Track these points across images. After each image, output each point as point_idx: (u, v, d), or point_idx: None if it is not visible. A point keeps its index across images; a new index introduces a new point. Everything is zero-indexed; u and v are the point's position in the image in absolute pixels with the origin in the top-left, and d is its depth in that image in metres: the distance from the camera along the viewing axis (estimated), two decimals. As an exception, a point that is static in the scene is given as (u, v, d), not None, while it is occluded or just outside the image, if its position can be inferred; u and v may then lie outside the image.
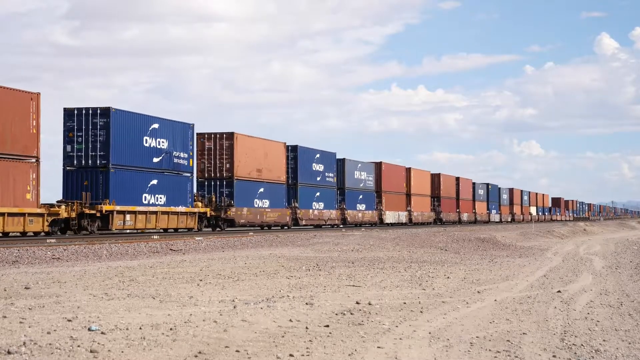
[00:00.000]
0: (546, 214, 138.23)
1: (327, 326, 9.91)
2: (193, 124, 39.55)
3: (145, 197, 35.43)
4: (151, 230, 36.37)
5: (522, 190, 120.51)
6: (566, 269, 20.99)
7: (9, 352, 7.58)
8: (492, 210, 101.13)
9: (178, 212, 37.68)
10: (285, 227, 48.26)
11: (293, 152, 50.23)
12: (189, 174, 39.15)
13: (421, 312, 11.52)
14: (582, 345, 9.44)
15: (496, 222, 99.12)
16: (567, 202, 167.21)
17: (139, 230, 36.00)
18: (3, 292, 12.39)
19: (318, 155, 53.48)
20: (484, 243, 35.24)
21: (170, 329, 9.08)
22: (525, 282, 16.72)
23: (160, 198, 36.43)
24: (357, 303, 12.09)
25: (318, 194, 52.78)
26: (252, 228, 45.35)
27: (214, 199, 41.18)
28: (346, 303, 12.07)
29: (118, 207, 33.09)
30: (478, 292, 14.43)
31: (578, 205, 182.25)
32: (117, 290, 12.96)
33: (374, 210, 62.90)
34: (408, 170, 72.27)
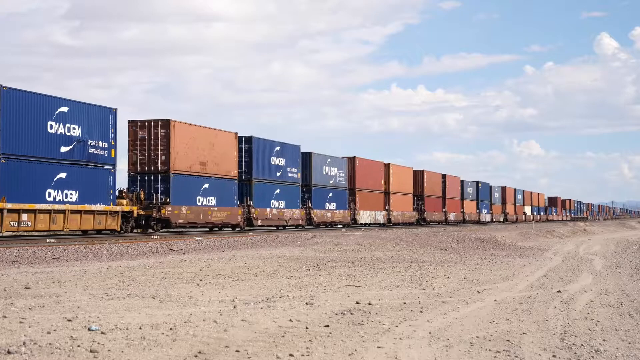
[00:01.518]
0: (542, 213, 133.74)
1: (327, 326, 9.91)
2: (116, 109, 33.64)
3: (49, 193, 29.63)
4: (58, 233, 32.24)
5: (515, 189, 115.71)
6: (566, 269, 20.99)
7: (9, 352, 7.58)
8: (483, 210, 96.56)
9: (94, 210, 31.73)
10: (238, 228, 42.98)
11: (247, 144, 44.40)
12: (110, 167, 33.25)
13: (421, 312, 11.52)
14: (582, 345, 9.44)
15: (487, 222, 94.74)
16: (564, 201, 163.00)
17: (41, 233, 31.35)
18: (3, 292, 12.39)
19: (278, 148, 47.44)
20: (484, 243, 35.24)
21: (170, 329, 9.09)
22: (525, 282, 16.73)
23: (71, 194, 30.61)
24: (357, 303, 12.09)
25: (278, 191, 47.00)
26: (194, 229, 40.71)
27: (142, 196, 35.85)
28: (346, 303, 12.08)
29: (9, 205, 27.24)
30: (478, 292, 14.43)
31: (576, 204, 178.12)
32: (117, 290, 12.96)
33: (346, 209, 56.98)
34: (387, 166, 66.14)
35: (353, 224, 57.70)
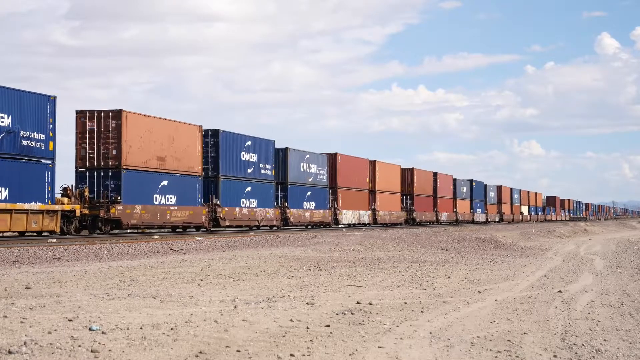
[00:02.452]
0: (539, 213, 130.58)
1: (328, 326, 9.91)
2: (54, 97, 30.27)
3: None
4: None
5: (512, 188, 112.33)
6: (567, 268, 20.99)
7: (9, 352, 7.58)
8: (477, 210, 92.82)
9: (28, 210, 28.40)
10: (203, 229, 39.53)
11: (214, 138, 40.87)
12: (48, 161, 29.87)
13: (422, 311, 11.52)
14: (582, 345, 9.44)
15: (481, 222, 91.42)
16: (562, 201, 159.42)
17: None
18: (4, 292, 12.40)
19: (249, 143, 44.09)
20: (485, 243, 35.24)
21: (171, 329, 9.09)
22: (526, 282, 16.72)
23: None
24: (358, 303, 12.09)
25: (249, 189, 43.64)
26: (151, 230, 37.26)
27: (86, 193, 32.33)
28: (347, 303, 12.08)
29: None
30: (479, 292, 14.43)
31: (575, 204, 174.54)
32: (117, 290, 12.97)
33: (326, 209, 53.44)
34: (372, 163, 62.47)
35: (335, 224, 54.64)
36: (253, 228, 44.52)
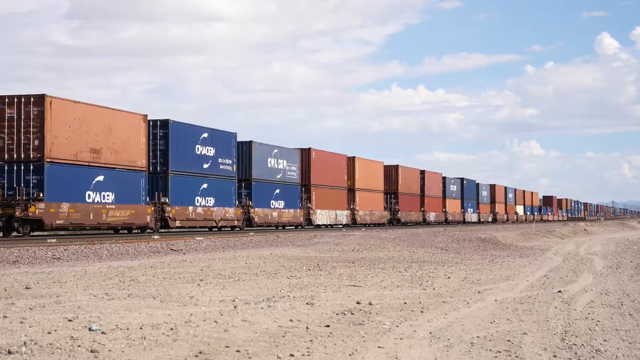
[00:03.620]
0: (535, 213, 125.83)
1: (328, 326, 9.91)
2: None
3: None
4: None
5: (506, 187, 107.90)
6: (567, 269, 20.99)
7: (9, 352, 7.58)
8: (469, 209, 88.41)
9: None
10: (149, 230, 35.27)
11: (163, 129, 36.43)
12: None
13: (422, 312, 11.52)
14: (582, 345, 9.44)
15: (473, 222, 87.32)
16: (560, 200, 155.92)
17: None
18: (4, 292, 12.40)
19: (206, 135, 39.66)
20: (485, 243, 35.24)
21: (171, 329, 9.09)
22: (525, 282, 16.72)
23: None
24: (358, 303, 12.09)
25: (205, 186, 39.31)
26: (81, 233, 33.86)
27: None
28: (347, 303, 12.08)
29: None
30: (479, 292, 14.43)
31: (573, 204, 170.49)
32: (117, 290, 12.97)
33: (298, 208, 49.08)
34: (351, 159, 57.82)
35: (308, 225, 50.28)
36: (212, 229, 40.75)
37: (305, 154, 50.92)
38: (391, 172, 66.94)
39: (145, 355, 7.80)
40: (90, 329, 8.84)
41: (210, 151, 40.02)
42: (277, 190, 46.99)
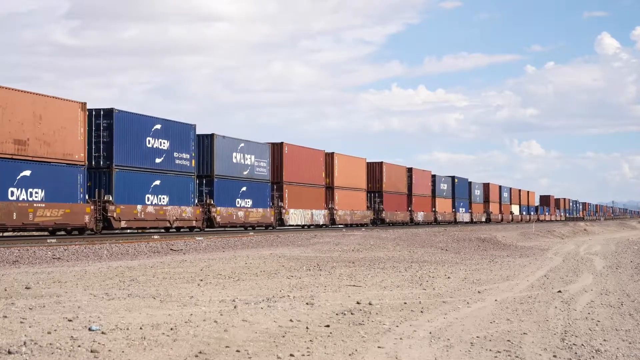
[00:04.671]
0: (532, 213, 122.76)
1: (328, 326, 9.91)
2: None
3: None
4: None
5: (500, 186, 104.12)
6: (567, 269, 20.99)
7: (9, 352, 7.58)
8: (460, 209, 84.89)
9: None
10: (89, 232, 31.57)
11: (107, 119, 32.87)
12: None
13: (422, 312, 11.52)
14: (582, 345, 9.44)
15: (465, 222, 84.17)
16: (557, 200, 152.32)
17: None
18: (4, 292, 12.40)
19: (159, 127, 36.01)
20: (485, 243, 35.25)
21: (171, 329, 9.09)
22: (525, 282, 16.73)
23: None
24: (358, 303, 12.09)
25: (157, 182, 35.61)
26: (6, 235, 30.09)
27: None
28: (347, 303, 12.08)
29: None
30: (479, 292, 14.43)
31: (571, 204, 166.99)
32: (117, 290, 12.97)
33: (268, 207, 45.48)
34: (329, 155, 54.07)
35: (279, 225, 46.95)
36: (163, 230, 37.05)
37: (276, 149, 47.31)
38: (375, 170, 63.25)
39: (145, 355, 7.80)
40: (90, 329, 8.84)
41: (164, 144, 36.35)
42: (244, 188, 43.30)
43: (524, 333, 10.03)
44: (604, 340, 9.87)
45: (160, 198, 35.93)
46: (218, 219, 40.13)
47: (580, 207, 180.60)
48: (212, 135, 40.70)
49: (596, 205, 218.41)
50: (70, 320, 9.43)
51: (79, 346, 7.96)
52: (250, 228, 44.49)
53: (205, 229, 39.74)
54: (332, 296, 12.93)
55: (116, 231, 34.79)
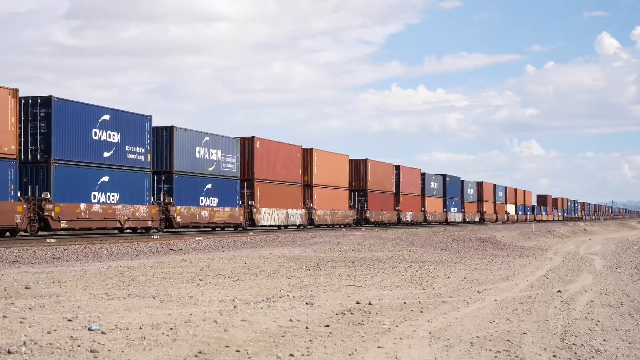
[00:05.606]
0: (528, 213, 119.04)
1: (328, 326, 9.91)
2: None
3: None
4: None
5: (495, 185, 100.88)
6: (566, 268, 21.00)
7: (9, 352, 7.58)
8: (452, 209, 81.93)
9: None
10: (24, 233, 29.01)
11: (44, 108, 29.70)
12: None
13: (421, 311, 11.52)
14: (582, 345, 9.44)
15: (457, 222, 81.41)
16: (555, 200, 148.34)
17: None
18: (3, 292, 12.40)
19: (107, 117, 32.51)
20: (484, 243, 35.26)
21: (171, 329, 9.09)
22: (525, 281, 16.73)
23: None
24: (358, 303, 12.09)
25: (106, 178, 32.32)
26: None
27: None
28: (346, 303, 12.08)
29: None
30: (478, 291, 14.43)
31: (569, 203, 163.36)
32: (117, 290, 12.97)
33: (237, 206, 42.11)
34: (308, 151, 50.80)
35: (250, 225, 43.84)
36: (116, 231, 34.17)
37: (247, 144, 44.04)
38: (359, 167, 59.94)
39: (145, 355, 7.80)
40: (89, 329, 8.84)
41: (114, 137, 32.92)
42: (209, 185, 40.01)
43: (524, 333, 10.03)
44: (604, 340, 9.87)
45: (109, 196, 32.69)
46: (178, 218, 36.89)
47: (579, 206, 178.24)
48: (171, 127, 37.42)
49: (595, 205, 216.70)
50: (70, 320, 9.43)
51: (79, 346, 7.95)
52: (219, 229, 41.73)
53: (164, 230, 36.91)
54: (331, 296, 12.93)
55: (54, 232, 31.26)
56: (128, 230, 34.66)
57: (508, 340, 9.48)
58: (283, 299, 12.32)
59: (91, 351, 7.78)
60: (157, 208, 35.54)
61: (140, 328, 9.07)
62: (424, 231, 47.17)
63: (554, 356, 8.80)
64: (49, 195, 29.30)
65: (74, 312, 10.22)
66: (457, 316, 11.22)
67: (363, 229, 49.94)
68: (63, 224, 30.01)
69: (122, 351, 7.87)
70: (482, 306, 12.40)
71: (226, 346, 8.38)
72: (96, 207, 31.72)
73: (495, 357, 8.62)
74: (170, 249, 24.73)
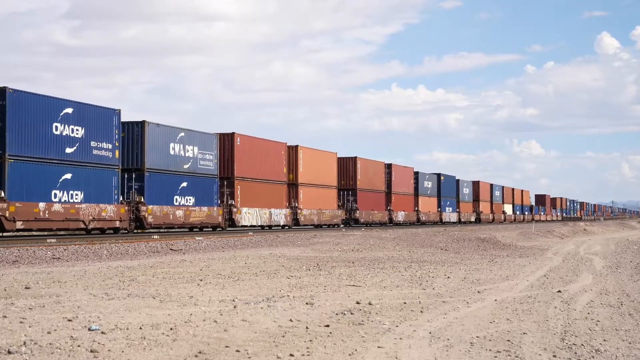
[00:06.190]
0: (526, 213, 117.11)
1: (328, 326, 9.91)
2: None
3: None
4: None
5: (492, 184, 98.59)
6: (566, 268, 21.00)
7: (9, 352, 7.58)
8: (447, 208, 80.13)
9: None
10: None
11: None
12: None
13: (421, 311, 11.52)
14: (582, 345, 9.44)
15: (452, 222, 79.99)
16: (554, 199, 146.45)
17: None
18: (3, 292, 12.40)
19: (69, 111, 30.57)
20: (484, 243, 35.25)
21: (171, 329, 9.09)
22: (525, 281, 16.73)
23: None
24: (358, 303, 12.09)
25: (69, 176, 30.34)
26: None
27: None
28: (346, 303, 12.08)
29: None
30: (478, 291, 14.43)
31: (568, 203, 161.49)
32: (117, 290, 12.97)
33: (215, 206, 40.16)
34: (293, 149, 48.93)
35: (230, 226, 41.82)
36: (84, 232, 32.34)
37: (226, 140, 41.92)
38: (348, 166, 57.98)
39: (145, 355, 7.80)
40: (90, 329, 8.84)
41: (78, 132, 30.90)
42: (184, 184, 37.90)
43: (524, 333, 10.03)
44: (604, 340, 9.87)
45: (72, 194, 30.57)
46: (149, 219, 34.71)
47: (578, 206, 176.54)
48: (142, 122, 35.16)
49: (594, 204, 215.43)
50: (70, 320, 9.43)
51: (79, 346, 7.95)
52: (197, 229, 39.99)
53: (134, 231, 34.57)
54: (331, 296, 12.93)
55: (12, 232, 29.12)
56: (95, 231, 32.97)
57: (508, 340, 9.48)
58: (283, 299, 12.32)
59: (91, 351, 7.78)
60: (126, 208, 33.49)
61: (140, 328, 9.07)
62: (424, 231, 47.16)
63: (554, 356, 8.80)
64: (2, 194, 27.53)
65: (74, 312, 10.22)
66: (457, 316, 11.22)
67: (363, 229, 49.91)
68: (19, 225, 28.09)
69: (122, 351, 7.87)
70: (482, 306, 12.40)
71: (226, 346, 8.38)
72: (57, 207, 29.56)
73: (495, 357, 8.62)
74: (170, 249, 24.73)
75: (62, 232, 32.15)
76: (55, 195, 29.68)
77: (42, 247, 22.41)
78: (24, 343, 7.97)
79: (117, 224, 33.11)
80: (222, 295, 12.60)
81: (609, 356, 8.97)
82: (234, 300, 11.89)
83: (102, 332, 8.70)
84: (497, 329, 10.23)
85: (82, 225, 31.07)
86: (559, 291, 14.79)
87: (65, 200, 30.05)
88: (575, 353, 8.98)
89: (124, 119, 34.12)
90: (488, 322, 10.81)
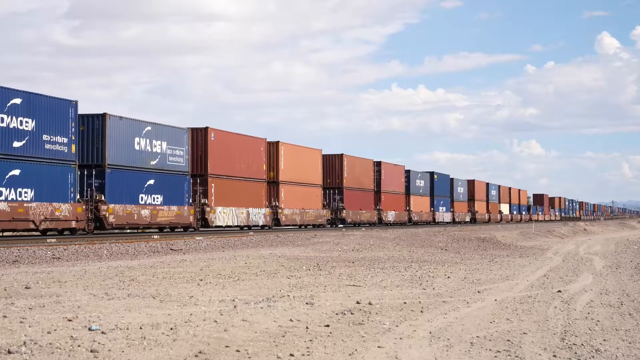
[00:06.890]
0: (523, 212, 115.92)
1: (328, 326, 9.91)
2: None
3: None
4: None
5: (488, 183, 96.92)
6: (566, 268, 20.99)
7: (9, 352, 7.58)
8: (440, 208, 78.24)
9: None
10: None
11: None
12: None
13: (421, 311, 11.52)
14: (582, 345, 9.44)
15: (446, 222, 78.45)
16: (552, 199, 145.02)
17: None
18: (3, 292, 12.40)
19: (17, 101, 28.04)
20: (484, 243, 35.24)
21: (171, 329, 9.09)
22: (525, 281, 16.73)
23: None
24: (358, 303, 12.09)
25: (16, 172, 27.91)
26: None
27: None
28: (346, 303, 12.08)
29: None
30: (478, 291, 14.43)
31: (567, 203, 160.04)
32: (117, 290, 12.97)
33: (185, 204, 37.77)
34: (273, 145, 46.54)
35: (204, 226, 39.38)
36: (38, 233, 30.55)
37: (200, 135, 39.50)
38: (334, 163, 55.51)
39: (145, 355, 7.80)
40: (90, 329, 8.84)
41: (27, 124, 28.50)
42: (151, 181, 35.41)
43: (524, 333, 10.02)
44: (604, 340, 9.86)
45: (19, 192, 28.10)
46: (111, 219, 32.43)
47: (577, 206, 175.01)
48: (103, 115, 32.80)
49: (594, 204, 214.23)
50: (70, 320, 9.43)
51: (79, 346, 7.95)
52: (168, 230, 37.73)
53: (94, 232, 32.49)
54: (332, 296, 12.93)
55: None
56: (54, 233, 31.13)
57: (508, 340, 9.48)
58: (283, 299, 12.32)
59: (91, 351, 7.78)
60: (83, 207, 31.04)
61: (141, 328, 9.07)
62: (424, 231, 47.16)
63: (554, 356, 8.79)
64: None
65: (74, 312, 10.22)
66: (457, 316, 11.22)
67: (363, 229, 49.89)
68: None
69: (122, 351, 7.87)
70: (482, 306, 12.40)
71: (226, 346, 8.38)
72: (2, 205, 27.12)
73: (496, 357, 8.62)
74: (171, 249, 24.73)
75: (8, 234, 30.04)
76: (1, 193, 27.32)
77: (42, 247, 22.41)
78: (24, 343, 7.97)
79: (74, 224, 30.79)
80: (222, 295, 12.60)
81: (609, 356, 8.96)
82: (234, 300, 11.89)
83: (102, 332, 8.70)
84: (497, 329, 10.22)
85: (32, 226, 28.80)
86: (559, 291, 14.79)
87: (12, 199, 27.69)
88: (575, 353, 8.98)
89: (85, 112, 32.35)
90: (488, 322, 10.80)
